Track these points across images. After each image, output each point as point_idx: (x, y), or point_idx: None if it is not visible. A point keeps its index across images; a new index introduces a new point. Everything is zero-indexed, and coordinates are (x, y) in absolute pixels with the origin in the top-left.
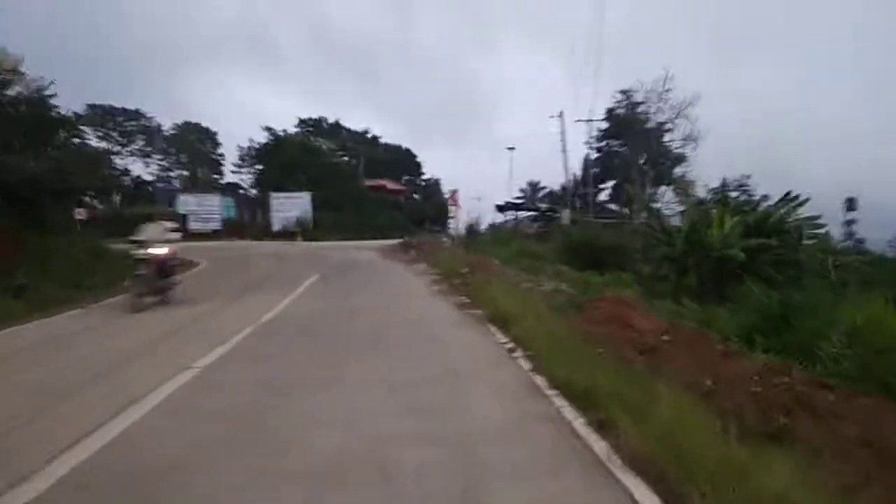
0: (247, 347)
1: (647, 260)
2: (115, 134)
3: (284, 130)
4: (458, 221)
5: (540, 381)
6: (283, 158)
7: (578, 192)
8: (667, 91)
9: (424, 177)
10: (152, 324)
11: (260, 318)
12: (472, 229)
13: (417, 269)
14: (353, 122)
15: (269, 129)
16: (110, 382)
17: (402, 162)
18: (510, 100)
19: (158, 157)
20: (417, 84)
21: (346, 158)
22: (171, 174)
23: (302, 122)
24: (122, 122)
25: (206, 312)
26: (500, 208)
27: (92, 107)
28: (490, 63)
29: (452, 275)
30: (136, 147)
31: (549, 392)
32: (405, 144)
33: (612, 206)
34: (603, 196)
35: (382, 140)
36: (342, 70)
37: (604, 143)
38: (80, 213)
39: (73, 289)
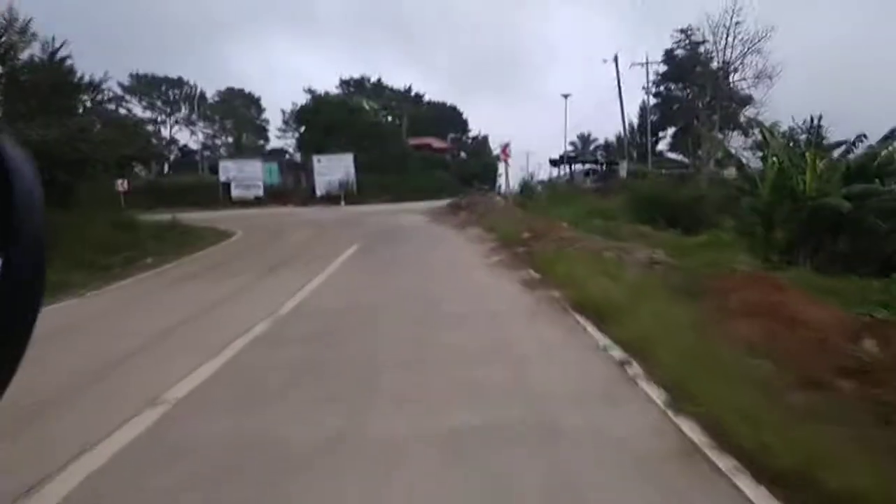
0: (243, 366)
1: (733, 215)
2: (159, 103)
3: (326, 92)
4: (510, 178)
5: (697, 436)
6: (324, 119)
7: (635, 142)
8: (736, 24)
9: (471, 134)
10: (143, 320)
11: (279, 308)
12: (526, 186)
13: (470, 235)
14: (396, 81)
15: (310, 91)
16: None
17: (448, 119)
18: (556, 51)
19: (203, 124)
20: (460, 40)
21: (389, 119)
22: (217, 142)
23: (343, 83)
24: (166, 91)
25: (218, 300)
26: (555, 162)
27: (135, 77)
28: (534, 13)
29: (513, 241)
30: (181, 115)
31: (742, 481)
32: (450, 101)
33: (673, 155)
34: (662, 145)
35: (426, 98)
36: (383, 29)
37: (662, 88)
38: (121, 185)
39: (85, 270)
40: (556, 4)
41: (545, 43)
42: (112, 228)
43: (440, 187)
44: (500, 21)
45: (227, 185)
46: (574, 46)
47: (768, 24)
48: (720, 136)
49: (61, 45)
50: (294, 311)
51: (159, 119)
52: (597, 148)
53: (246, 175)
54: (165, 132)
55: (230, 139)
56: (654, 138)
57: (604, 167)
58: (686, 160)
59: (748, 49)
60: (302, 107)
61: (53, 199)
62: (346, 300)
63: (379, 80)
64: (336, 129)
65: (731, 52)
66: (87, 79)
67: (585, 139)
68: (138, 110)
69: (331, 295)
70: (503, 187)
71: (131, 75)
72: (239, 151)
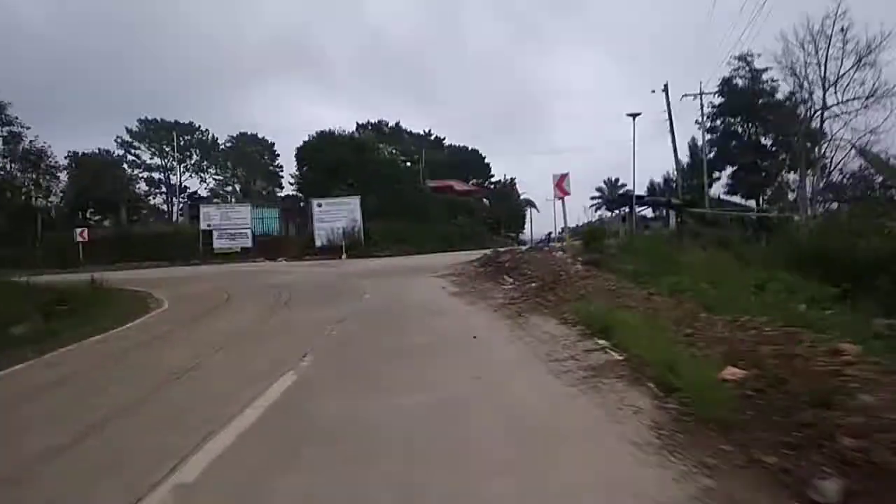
0: None
1: None
2: (168, 149)
3: (331, 130)
4: (566, 218)
5: None
6: (327, 158)
7: (686, 184)
8: (842, 30)
9: (494, 179)
10: None
11: None
12: (593, 234)
13: (550, 341)
14: (415, 127)
15: (320, 132)
16: None
17: (469, 163)
18: (573, 99)
19: (214, 170)
20: (476, 90)
21: (408, 164)
22: (228, 188)
23: (361, 127)
24: (176, 137)
25: None
26: (611, 204)
27: (143, 122)
28: (549, 62)
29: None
30: (192, 162)
31: None
32: (471, 147)
33: (733, 199)
34: (716, 187)
35: (447, 142)
36: (397, 81)
37: (718, 122)
38: (80, 235)
39: None
40: (569, 53)
41: (563, 92)
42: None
43: (464, 235)
44: (514, 71)
45: (209, 234)
46: (593, 94)
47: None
48: (792, 175)
49: None
50: None
51: (168, 165)
52: (619, 195)
53: (232, 223)
54: (175, 179)
55: (238, 187)
56: (708, 179)
57: (673, 209)
58: (746, 203)
59: (859, 61)
60: (303, 144)
61: None
62: None
63: (397, 124)
64: (342, 169)
65: (824, 70)
66: None
67: (613, 184)
68: (146, 156)
69: None
70: (531, 235)
71: (140, 121)
72: (248, 198)
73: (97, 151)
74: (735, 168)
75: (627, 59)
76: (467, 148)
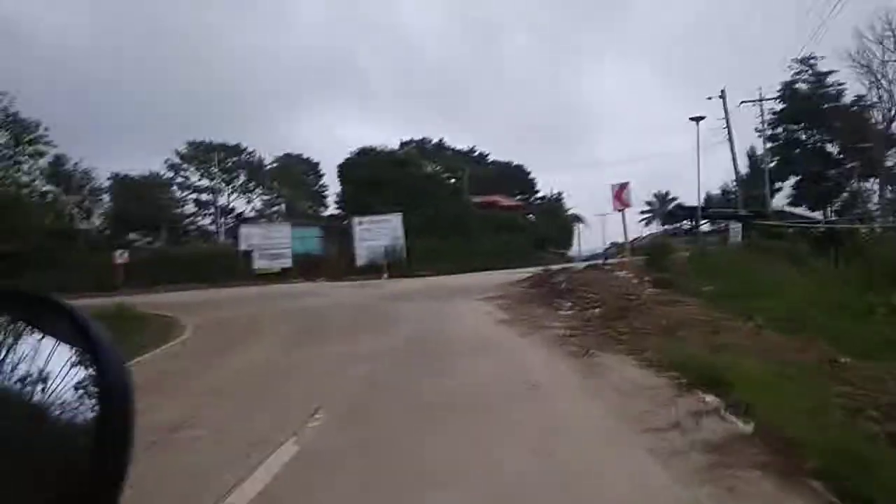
0: None
1: None
2: (215, 170)
3: (371, 147)
4: (626, 232)
5: None
6: (367, 174)
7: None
8: None
9: (538, 194)
10: None
11: None
12: (658, 250)
13: (635, 394)
14: (458, 144)
15: (362, 150)
16: None
17: (513, 178)
18: (620, 111)
19: (261, 190)
20: (519, 104)
21: (452, 181)
22: (274, 209)
23: (404, 145)
24: (224, 158)
25: None
26: (673, 215)
27: (192, 144)
28: (594, 72)
29: None
30: (238, 183)
31: None
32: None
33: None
34: (778, 198)
35: (490, 158)
36: (439, 99)
37: (780, 129)
38: (120, 256)
39: None
40: (612, 66)
41: (612, 102)
42: None
43: (510, 252)
44: (561, 82)
45: (248, 255)
46: (644, 104)
47: None
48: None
49: None
50: None
51: (215, 186)
52: (677, 207)
53: (272, 242)
54: (223, 200)
55: (283, 207)
56: (770, 189)
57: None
58: (813, 214)
59: None
60: (345, 160)
61: None
62: None
63: (440, 140)
64: (383, 185)
65: None
66: None
67: (663, 198)
68: (195, 178)
69: None
70: (580, 251)
71: (189, 143)
72: (293, 218)
73: (147, 174)
74: (799, 178)
75: (678, 67)
76: (511, 163)
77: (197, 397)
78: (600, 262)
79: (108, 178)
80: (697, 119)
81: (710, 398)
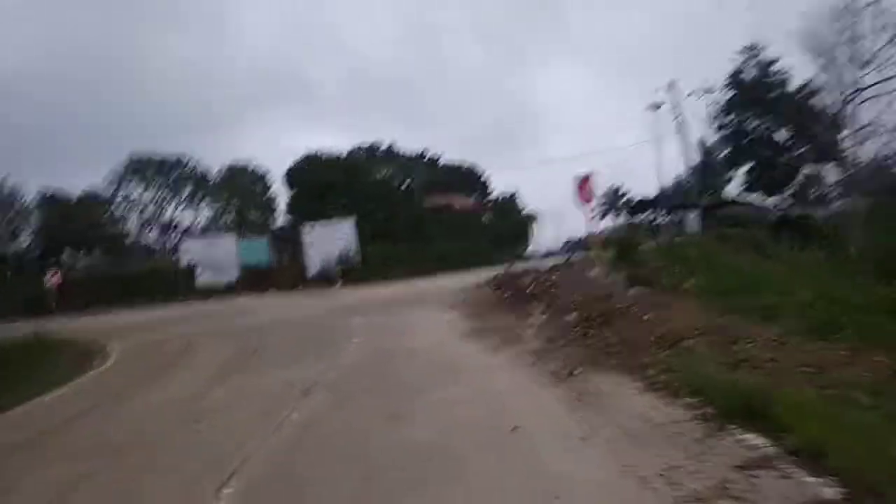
0: None
1: None
2: (158, 184)
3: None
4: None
5: None
6: (316, 180)
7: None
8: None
9: (493, 195)
10: None
11: None
12: (625, 245)
13: (650, 438)
14: (409, 148)
15: (308, 156)
16: None
17: (467, 180)
18: (567, 109)
19: (208, 201)
20: (468, 108)
21: (405, 184)
22: (222, 221)
23: (355, 150)
24: (168, 172)
25: None
26: (636, 207)
27: (133, 159)
28: (541, 74)
29: None
30: (184, 196)
31: None
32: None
33: (750, 197)
34: (731, 186)
35: (442, 162)
36: (387, 104)
37: (728, 119)
38: (51, 277)
39: None
40: (559, 67)
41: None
42: None
43: (467, 254)
44: (508, 84)
45: (191, 270)
46: (590, 102)
47: None
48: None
49: None
50: None
51: (159, 201)
52: (629, 201)
53: (216, 256)
54: (167, 214)
55: (231, 218)
56: (723, 178)
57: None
58: (766, 201)
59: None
60: (291, 167)
61: None
62: None
63: (390, 146)
64: (333, 191)
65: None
66: None
67: (615, 193)
68: (137, 193)
69: None
70: (539, 250)
71: (130, 158)
72: (242, 229)
73: (84, 191)
74: (751, 165)
75: (629, 63)
76: (464, 165)
77: (79, 462)
78: (565, 259)
79: (37, 196)
80: (656, 106)
81: (754, 438)
